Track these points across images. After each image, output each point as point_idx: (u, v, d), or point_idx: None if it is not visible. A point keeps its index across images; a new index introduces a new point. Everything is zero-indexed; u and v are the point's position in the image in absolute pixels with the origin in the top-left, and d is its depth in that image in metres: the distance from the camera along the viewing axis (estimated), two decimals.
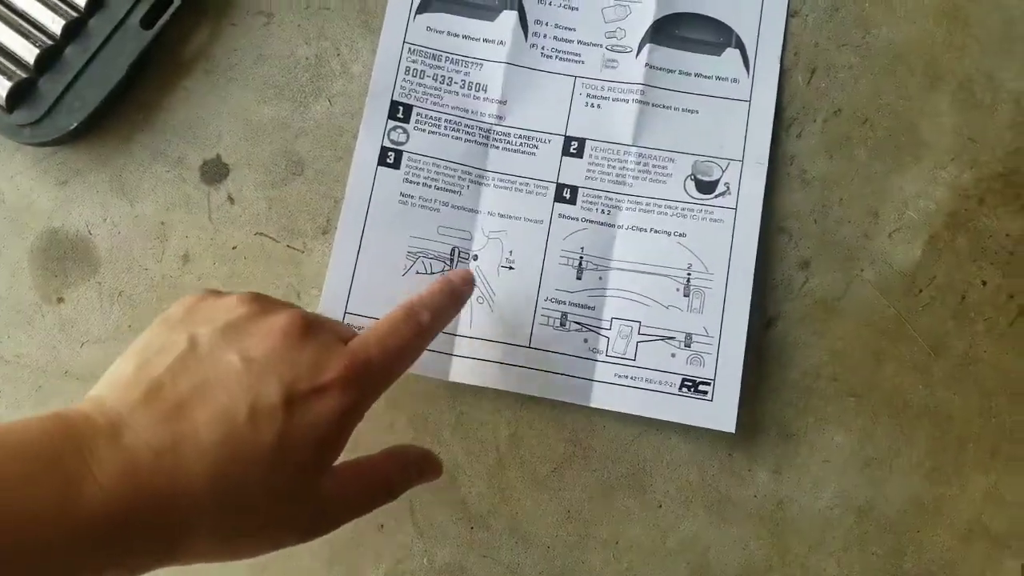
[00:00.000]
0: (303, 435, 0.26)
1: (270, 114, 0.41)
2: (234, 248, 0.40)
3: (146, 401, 0.25)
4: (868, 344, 0.39)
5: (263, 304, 0.29)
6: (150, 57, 0.41)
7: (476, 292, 0.39)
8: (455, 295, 0.34)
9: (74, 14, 0.40)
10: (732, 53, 0.41)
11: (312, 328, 0.28)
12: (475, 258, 0.40)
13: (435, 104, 0.41)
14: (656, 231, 0.40)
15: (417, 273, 0.40)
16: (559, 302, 0.39)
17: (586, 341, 0.39)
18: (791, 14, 0.42)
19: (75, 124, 0.39)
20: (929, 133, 0.41)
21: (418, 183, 0.40)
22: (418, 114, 0.41)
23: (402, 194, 0.40)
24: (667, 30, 0.41)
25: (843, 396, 0.39)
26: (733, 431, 0.38)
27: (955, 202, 0.40)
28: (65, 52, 0.40)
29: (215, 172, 0.41)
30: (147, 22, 0.40)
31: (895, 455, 0.39)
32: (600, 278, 0.40)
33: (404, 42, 0.41)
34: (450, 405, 0.39)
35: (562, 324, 0.39)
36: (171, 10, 0.40)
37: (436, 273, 0.40)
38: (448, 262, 0.40)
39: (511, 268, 0.40)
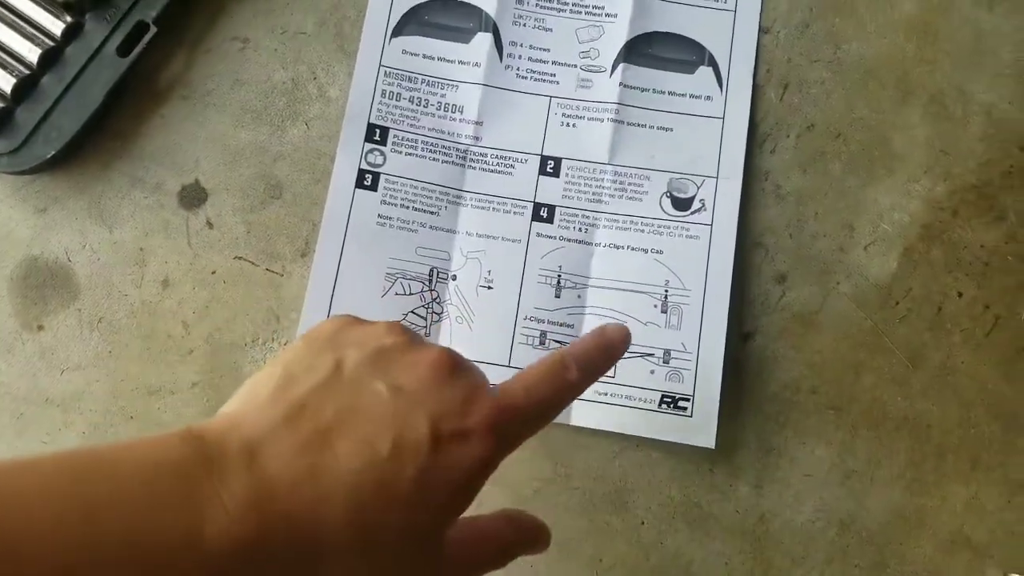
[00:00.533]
0: (444, 477, 0.24)
1: (248, 138, 0.41)
2: (213, 273, 0.40)
3: (286, 424, 0.23)
4: (846, 357, 0.40)
5: (411, 336, 0.27)
6: (127, 85, 0.41)
7: (455, 312, 0.40)
8: (609, 353, 0.31)
9: (50, 43, 0.40)
10: (705, 71, 0.42)
11: (460, 367, 0.26)
12: (454, 278, 0.40)
13: (412, 126, 0.41)
14: (633, 248, 0.40)
15: (396, 295, 0.40)
16: (538, 320, 0.40)
17: None
18: (763, 31, 0.42)
19: (53, 152, 0.39)
20: (902, 146, 0.41)
21: (396, 204, 0.40)
22: (395, 136, 0.41)
23: (380, 216, 0.40)
24: (640, 49, 0.42)
25: (822, 409, 0.39)
26: (713, 446, 0.38)
27: (929, 214, 0.41)
28: (42, 81, 0.40)
29: (194, 197, 0.41)
30: (123, 50, 0.40)
31: (876, 467, 0.39)
32: (579, 296, 0.40)
33: (380, 65, 0.42)
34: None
35: (541, 343, 0.39)
36: (147, 38, 0.40)
37: (415, 294, 0.40)
38: (427, 283, 0.40)
39: (490, 288, 0.40)
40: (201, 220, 0.41)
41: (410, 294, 0.40)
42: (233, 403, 0.25)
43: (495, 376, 0.39)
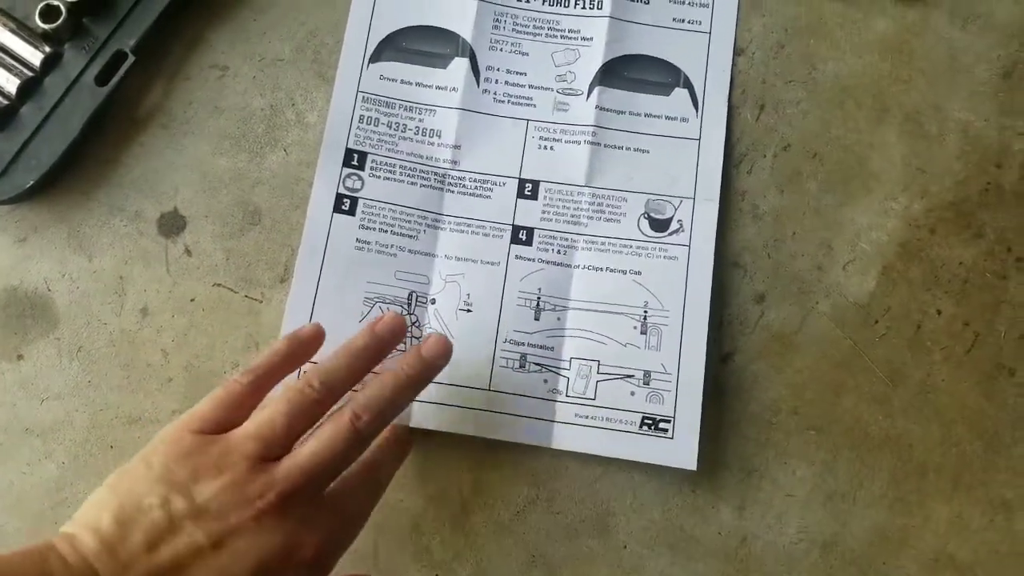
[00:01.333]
0: None
1: (226, 165, 0.41)
2: (192, 300, 0.40)
3: (122, 566, 0.27)
4: (826, 376, 0.40)
5: (250, 464, 0.29)
6: (106, 113, 0.41)
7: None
8: (401, 454, 0.37)
9: (29, 73, 0.40)
10: (680, 93, 0.42)
11: (289, 504, 0.29)
12: (432, 302, 0.40)
13: (390, 151, 0.41)
14: (612, 270, 0.40)
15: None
16: (518, 343, 0.40)
17: (546, 382, 0.39)
18: (737, 52, 0.42)
19: (32, 182, 0.39)
20: (879, 165, 0.41)
21: (374, 229, 0.40)
22: (373, 161, 0.41)
23: (358, 240, 0.40)
24: (616, 72, 0.42)
25: (803, 430, 0.39)
26: (695, 468, 0.38)
27: (907, 232, 0.41)
28: (21, 111, 0.40)
29: (172, 225, 0.41)
30: (102, 79, 0.40)
31: (858, 487, 0.39)
32: (558, 319, 0.40)
33: (358, 91, 0.42)
34: (412, 450, 0.39)
35: (522, 366, 0.39)
36: (125, 67, 0.40)
37: None
38: (406, 307, 0.40)
39: (469, 311, 0.40)
40: (180, 248, 0.41)
41: None
42: (77, 525, 0.28)
43: (476, 399, 0.39)
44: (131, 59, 0.40)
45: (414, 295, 0.40)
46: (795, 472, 0.39)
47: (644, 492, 0.39)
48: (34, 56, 0.40)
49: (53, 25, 0.40)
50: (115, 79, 0.40)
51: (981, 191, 0.41)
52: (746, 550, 0.38)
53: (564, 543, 0.38)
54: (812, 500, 0.39)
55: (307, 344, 0.34)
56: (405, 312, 0.40)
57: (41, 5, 0.40)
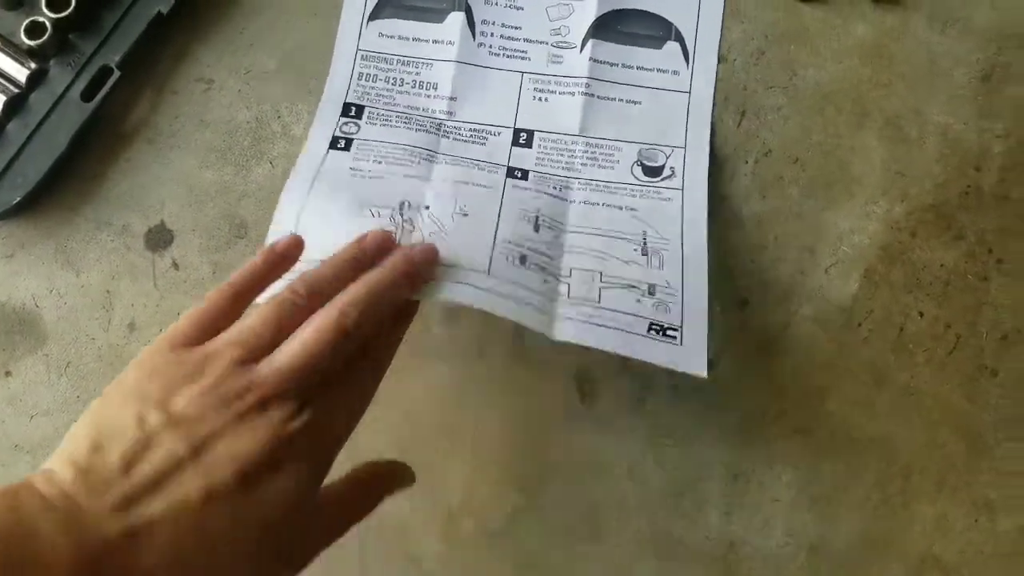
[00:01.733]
0: (260, 515, 0.26)
1: (213, 179, 0.42)
2: (179, 314, 0.40)
3: (99, 490, 0.25)
4: (810, 380, 0.40)
5: (225, 368, 0.27)
6: (93, 129, 0.41)
7: (429, 229, 0.37)
8: (399, 330, 0.33)
9: (15, 90, 0.40)
10: (672, 46, 0.43)
11: (272, 404, 0.27)
12: (427, 207, 0.37)
13: (387, 104, 0.42)
14: (608, 206, 0.40)
15: (365, 218, 0.37)
16: (518, 245, 0.37)
17: (546, 282, 0.37)
18: (719, 60, 0.43)
19: (18, 199, 0.39)
20: (859, 169, 0.42)
21: (369, 160, 0.40)
22: (370, 112, 0.42)
23: (351, 168, 0.39)
24: (609, 26, 0.43)
25: (789, 433, 0.39)
26: (705, 375, 0.35)
27: (888, 235, 0.41)
28: (7, 128, 0.40)
29: (160, 239, 0.41)
30: (87, 95, 0.40)
31: (843, 490, 0.39)
32: (556, 236, 0.38)
33: (357, 49, 0.43)
34: (399, 458, 0.39)
35: (522, 262, 0.37)
36: (111, 82, 0.40)
37: (384, 217, 0.37)
38: (397, 211, 0.37)
39: (465, 215, 0.37)
40: (167, 261, 0.41)
41: (379, 216, 0.37)
42: (53, 460, 0.26)
43: (476, 280, 0.35)
44: (117, 74, 0.41)
45: (406, 202, 0.38)
46: (781, 476, 0.39)
47: (631, 498, 0.39)
48: (19, 72, 0.41)
49: (38, 41, 0.40)
50: (101, 94, 0.40)
51: (961, 194, 0.41)
52: (734, 555, 0.39)
53: (553, 550, 0.39)
54: (798, 504, 0.39)
55: (284, 255, 0.32)
56: (396, 213, 0.37)
57: (26, 22, 0.40)
